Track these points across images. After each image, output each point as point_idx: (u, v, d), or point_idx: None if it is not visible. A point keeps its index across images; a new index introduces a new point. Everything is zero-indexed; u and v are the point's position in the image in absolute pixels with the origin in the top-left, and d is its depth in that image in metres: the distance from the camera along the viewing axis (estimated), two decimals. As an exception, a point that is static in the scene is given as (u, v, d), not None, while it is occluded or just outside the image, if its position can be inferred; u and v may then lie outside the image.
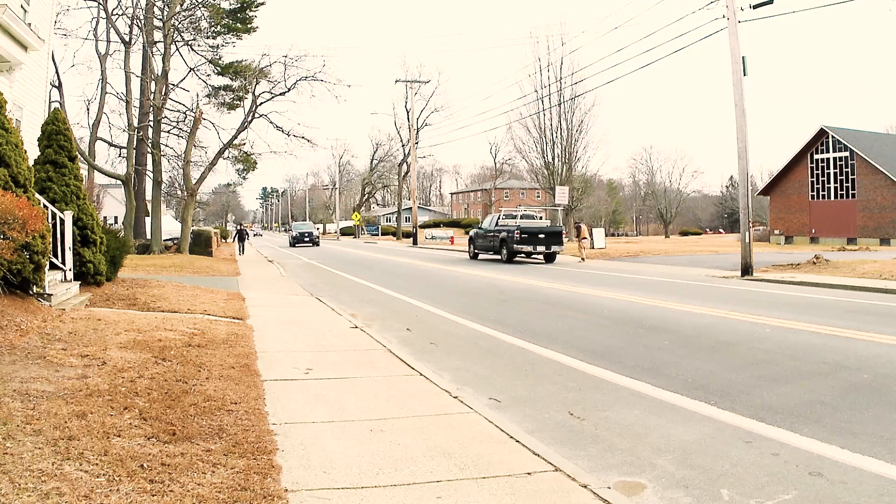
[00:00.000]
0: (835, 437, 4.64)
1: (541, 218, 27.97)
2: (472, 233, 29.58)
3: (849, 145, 42.45)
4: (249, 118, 29.21)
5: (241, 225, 42.05)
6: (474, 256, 28.34)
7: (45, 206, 9.30)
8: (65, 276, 9.69)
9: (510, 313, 11.24)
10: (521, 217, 26.85)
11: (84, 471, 3.41)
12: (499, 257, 25.99)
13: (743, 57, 17.83)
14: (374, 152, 78.76)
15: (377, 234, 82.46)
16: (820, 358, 7.20)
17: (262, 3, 31.02)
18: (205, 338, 7.51)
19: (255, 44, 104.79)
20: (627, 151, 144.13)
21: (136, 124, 28.25)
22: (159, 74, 28.33)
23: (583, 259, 27.35)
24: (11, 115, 10.59)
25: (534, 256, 26.07)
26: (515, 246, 24.66)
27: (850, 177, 42.81)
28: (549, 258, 25.70)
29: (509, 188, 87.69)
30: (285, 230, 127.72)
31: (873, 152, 42.05)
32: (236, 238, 38.54)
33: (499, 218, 27.08)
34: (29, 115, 13.61)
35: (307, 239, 47.25)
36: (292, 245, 46.74)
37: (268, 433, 4.37)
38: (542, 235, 25.03)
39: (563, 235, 26.55)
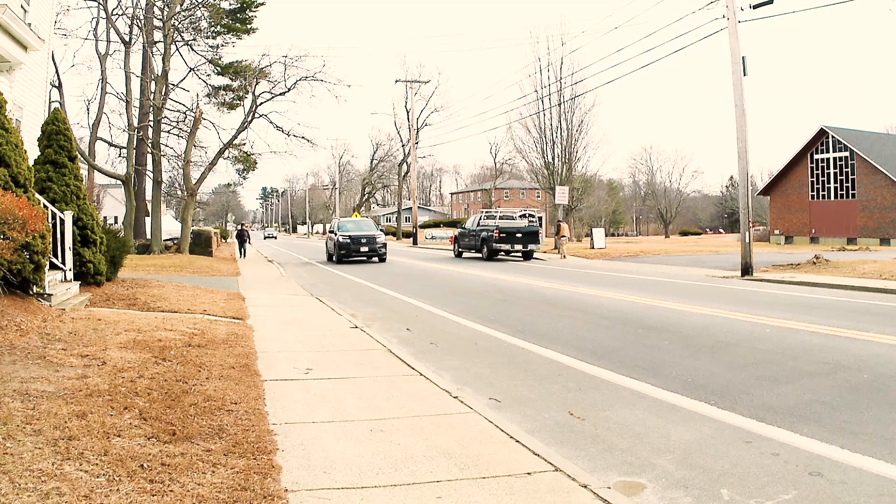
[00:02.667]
0: (835, 437, 4.64)
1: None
2: (456, 232, 31.38)
3: (849, 145, 42.44)
4: (249, 118, 29.22)
5: (241, 225, 36.47)
6: (459, 255, 29.77)
7: (45, 206, 9.30)
8: (65, 276, 9.69)
9: (510, 313, 11.24)
10: (500, 218, 28.54)
11: (84, 471, 3.41)
12: (480, 255, 27.48)
13: (743, 57, 17.83)
14: (374, 152, 78.74)
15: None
16: (820, 358, 7.20)
17: (262, 3, 31.05)
18: (205, 338, 7.51)
19: (255, 44, 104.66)
20: (627, 151, 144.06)
21: (136, 124, 28.25)
22: (159, 74, 28.33)
23: (563, 256, 28.90)
24: (11, 115, 10.59)
25: (512, 254, 27.58)
26: (495, 245, 26.21)
27: (850, 177, 42.81)
28: (527, 256, 27.22)
29: (509, 188, 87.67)
30: (285, 230, 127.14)
31: (873, 152, 42.05)
32: (236, 239, 33.93)
33: (480, 219, 28.83)
34: (29, 115, 13.61)
35: (367, 249, 25.29)
36: (338, 260, 25.64)
37: (268, 433, 4.37)
38: (519, 235, 26.61)
39: (539, 234, 28.23)
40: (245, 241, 32.23)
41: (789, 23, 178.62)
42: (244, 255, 30.57)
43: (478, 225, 28.14)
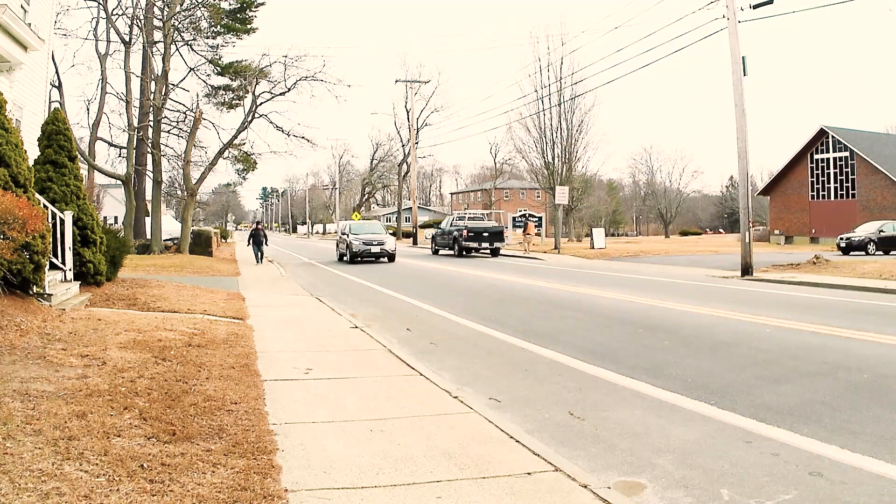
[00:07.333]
0: (835, 437, 4.64)
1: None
2: (433, 233, 34.67)
3: (849, 145, 42.43)
4: (249, 118, 29.20)
5: (257, 224, 27.75)
6: (435, 252, 32.48)
7: (45, 206, 9.30)
8: (65, 276, 9.69)
9: (510, 313, 11.24)
10: (469, 219, 31.74)
11: (84, 471, 3.41)
12: (453, 252, 30.22)
13: (743, 57, 17.83)
14: (374, 152, 78.71)
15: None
16: (820, 358, 7.20)
17: (262, 3, 31.01)
18: (205, 338, 7.51)
19: (255, 44, 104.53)
20: (627, 151, 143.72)
21: (136, 124, 28.23)
22: (159, 74, 28.31)
23: (525, 250, 32.33)
24: (11, 115, 10.58)
25: (481, 251, 30.21)
26: (464, 242, 29.10)
27: (850, 177, 42.80)
28: (494, 253, 30.04)
29: (509, 188, 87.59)
30: (285, 230, 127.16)
31: (873, 152, 42.03)
32: (250, 241, 26.19)
33: (453, 220, 32.13)
34: (29, 115, 13.60)
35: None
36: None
37: (268, 433, 4.37)
38: (486, 234, 29.52)
39: (504, 234, 31.68)
40: (261, 243, 25.41)
41: (789, 23, 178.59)
42: (261, 261, 24.98)
43: (451, 225, 31.22)
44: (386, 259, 26.13)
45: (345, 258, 26.91)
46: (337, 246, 29.31)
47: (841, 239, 30.56)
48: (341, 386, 5.95)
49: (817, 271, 18.75)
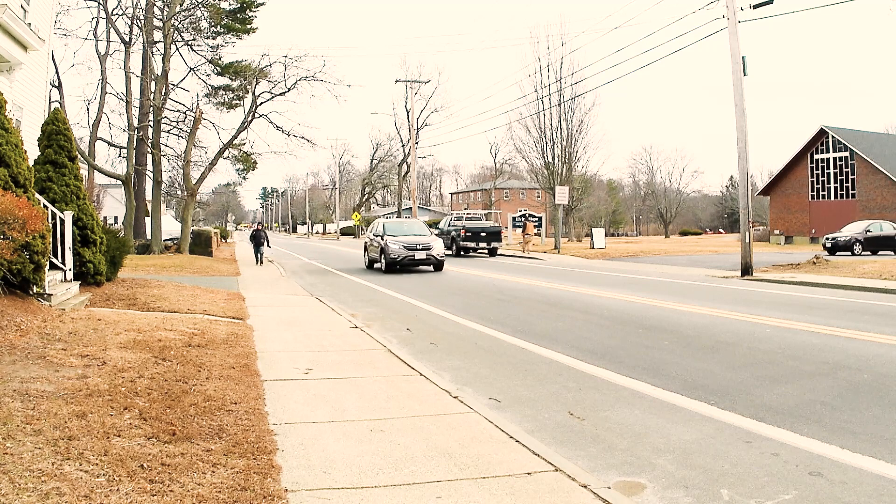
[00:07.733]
0: (835, 437, 4.64)
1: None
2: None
3: (849, 145, 42.43)
4: (249, 118, 29.20)
5: (259, 225, 28.67)
6: None
7: (45, 206, 9.30)
8: (65, 276, 9.69)
9: (510, 313, 11.24)
10: (467, 219, 32.26)
11: (84, 471, 3.41)
12: (451, 252, 30.03)
13: (743, 57, 17.83)
14: (374, 152, 78.76)
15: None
16: (820, 358, 7.20)
17: (262, 4, 31.03)
18: (205, 338, 7.51)
19: (255, 44, 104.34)
20: (627, 151, 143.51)
21: (136, 124, 28.23)
22: (159, 74, 28.31)
23: (524, 250, 32.69)
24: (11, 115, 10.58)
25: (479, 251, 30.59)
26: (462, 243, 29.54)
27: (850, 177, 42.80)
28: (492, 252, 30.43)
29: (509, 188, 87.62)
30: (285, 230, 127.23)
31: (873, 152, 42.03)
32: (252, 242, 26.11)
33: (451, 220, 32.64)
34: (29, 115, 13.61)
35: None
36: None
37: (268, 433, 4.37)
38: (483, 234, 29.90)
39: (501, 234, 32.26)
40: (262, 244, 24.80)
41: (789, 23, 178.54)
42: (261, 262, 24.56)
43: (449, 225, 31.60)
44: (432, 268, 20.89)
45: (377, 265, 21.37)
46: (365, 250, 23.14)
47: (827, 239, 30.26)
48: (341, 386, 5.95)
49: (817, 271, 18.75)
